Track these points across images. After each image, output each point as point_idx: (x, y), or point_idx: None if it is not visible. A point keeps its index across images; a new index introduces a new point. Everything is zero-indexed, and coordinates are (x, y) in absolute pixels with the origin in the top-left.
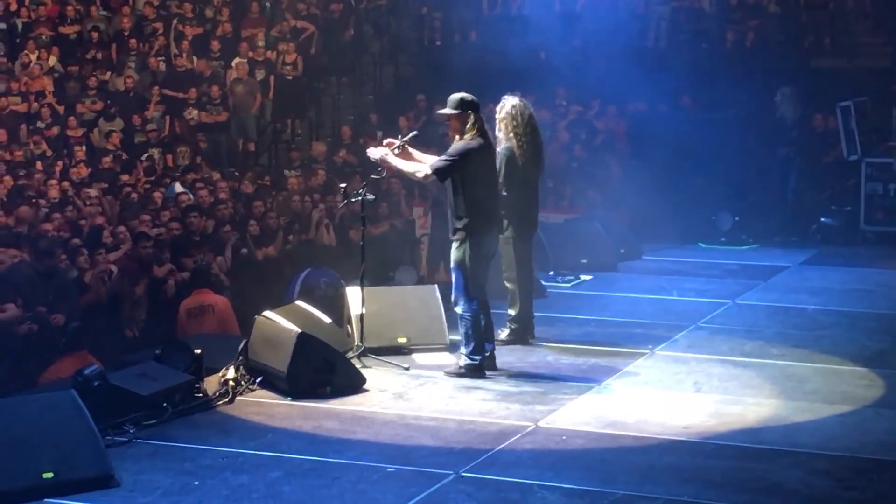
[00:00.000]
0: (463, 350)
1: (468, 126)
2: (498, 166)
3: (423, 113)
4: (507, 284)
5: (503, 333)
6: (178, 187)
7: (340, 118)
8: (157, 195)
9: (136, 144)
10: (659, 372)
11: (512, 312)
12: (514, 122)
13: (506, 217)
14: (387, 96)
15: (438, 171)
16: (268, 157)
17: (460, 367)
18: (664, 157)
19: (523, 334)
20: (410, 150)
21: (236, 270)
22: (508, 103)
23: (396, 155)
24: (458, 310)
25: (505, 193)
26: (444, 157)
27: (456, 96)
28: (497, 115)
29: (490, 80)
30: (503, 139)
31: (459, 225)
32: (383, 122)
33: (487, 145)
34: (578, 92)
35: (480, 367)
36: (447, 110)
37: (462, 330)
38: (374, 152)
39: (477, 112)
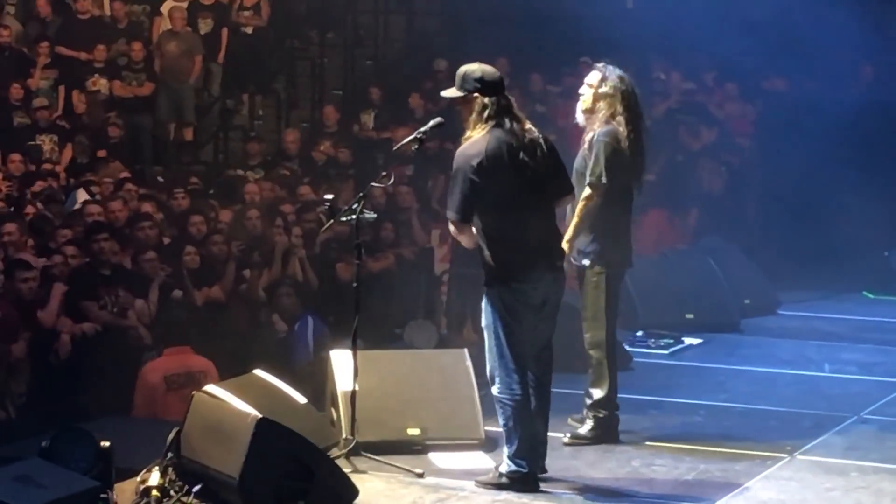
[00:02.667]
0: (505, 450)
1: (473, 116)
2: (587, 161)
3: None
4: (591, 352)
5: (584, 426)
6: (82, 194)
7: (324, 93)
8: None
9: (14, 128)
10: (802, 487)
11: (597, 394)
12: (626, 102)
13: (595, 240)
14: (393, 61)
15: (456, 213)
16: (213, 150)
17: (500, 475)
18: (813, 161)
19: (612, 429)
20: None
21: (165, 322)
22: (615, 74)
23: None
24: (495, 390)
25: (595, 198)
26: (450, 184)
27: (461, 70)
28: (593, 88)
29: (548, 41)
30: (600, 122)
31: (485, 268)
32: (387, 100)
33: (510, 141)
34: (683, 60)
35: (531, 476)
36: (449, 91)
37: (501, 420)
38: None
39: (493, 93)
